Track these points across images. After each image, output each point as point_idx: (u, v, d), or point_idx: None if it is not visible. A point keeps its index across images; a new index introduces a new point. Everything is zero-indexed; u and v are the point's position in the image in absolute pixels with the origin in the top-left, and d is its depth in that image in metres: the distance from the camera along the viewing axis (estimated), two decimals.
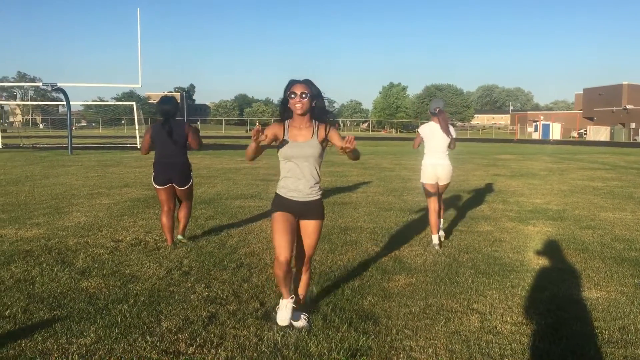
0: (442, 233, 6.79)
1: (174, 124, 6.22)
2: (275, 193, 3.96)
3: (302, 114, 3.76)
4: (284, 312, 3.82)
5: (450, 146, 6.69)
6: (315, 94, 3.77)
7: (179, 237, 6.55)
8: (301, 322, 3.94)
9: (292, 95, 3.71)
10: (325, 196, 10.61)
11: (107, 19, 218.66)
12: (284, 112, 3.86)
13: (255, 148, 3.67)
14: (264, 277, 5.17)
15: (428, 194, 6.73)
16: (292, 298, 3.90)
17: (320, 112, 3.83)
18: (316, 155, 3.82)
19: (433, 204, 6.66)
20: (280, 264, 3.72)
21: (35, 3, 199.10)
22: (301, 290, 4.15)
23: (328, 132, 3.81)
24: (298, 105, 3.70)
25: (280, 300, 3.90)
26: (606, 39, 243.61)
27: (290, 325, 3.89)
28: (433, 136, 6.63)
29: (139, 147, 30.46)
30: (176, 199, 6.50)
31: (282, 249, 3.72)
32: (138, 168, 16.90)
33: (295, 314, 3.92)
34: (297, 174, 3.82)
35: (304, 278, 4.13)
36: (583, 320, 4.18)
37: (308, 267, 4.09)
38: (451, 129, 6.64)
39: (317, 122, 3.83)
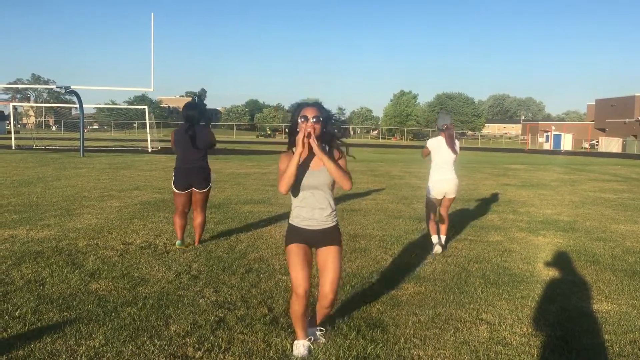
0: (442, 243, 6.74)
1: (198, 130, 6.31)
2: (289, 223, 3.75)
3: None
4: (302, 349, 3.63)
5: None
6: (326, 118, 3.55)
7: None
8: (319, 339, 3.81)
9: (303, 119, 3.46)
10: (335, 203, 10.60)
11: (121, 23, 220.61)
12: (292, 135, 3.57)
13: (296, 166, 3.40)
14: (272, 282, 5.17)
15: (429, 206, 6.93)
16: (309, 339, 3.71)
17: (331, 136, 3.61)
18: (330, 182, 3.61)
19: (433, 215, 6.89)
20: (299, 298, 3.50)
21: (50, 7, 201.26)
22: (320, 315, 3.87)
23: (339, 159, 3.60)
24: (310, 130, 3.42)
25: (295, 341, 3.70)
26: (619, 50, 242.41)
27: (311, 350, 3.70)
28: (440, 150, 6.75)
29: (149, 150, 30.63)
30: (190, 204, 6.57)
31: (300, 280, 3.50)
32: (149, 171, 16.99)
33: (310, 330, 3.79)
34: (311, 203, 3.61)
35: (327, 311, 3.81)
36: (593, 333, 4.14)
37: (334, 302, 3.72)
38: (456, 144, 6.78)
39: (327, 147, 3.60)
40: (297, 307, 3.54)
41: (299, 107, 3.55)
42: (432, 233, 6.78)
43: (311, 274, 3.63)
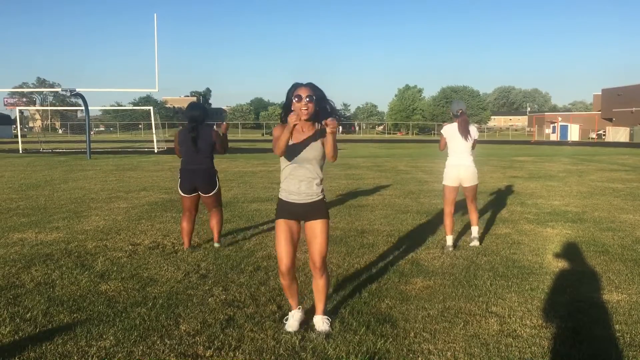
0: (476, 242, 6.61)
1: (202, 130, 6.22)
2: (278, 197, 3.95)
3: (308, 119, 3.70)
4: (291, 321, 3.97)
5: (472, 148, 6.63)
6: (319, 97, 3.72)
7: (216, 245, 6.53)
8: (324, 327, 3.93)
9: (297, 99, 3.63)
10: (342, 199, 10.60)
11: (124, 24, 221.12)
12: (287, 115, 3.70)
13: (288, 136, 3.60)
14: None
15: (446, 196, 6.66)
16: (299, 309, 4.03)
17: (325, 115, 3.71)
18: (319, 157, 3.81)
19: (449, 208, 6.61)
20: (282, 274, 3.85)
21: (53, 11, 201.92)
22: (319, 300, 4.00)
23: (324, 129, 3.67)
24: (304, 109, 3.63)
25: (290, 311, 4.06)
26: (624, 39, 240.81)
27: (313, 328, 3.92)
28: (454, 137, 6.56)
29: (155, 151, 30.71)
30: (198, 205, 6.49)
31: (282, 255, 3.80)
32: (155, 172, 17.04)
33: (316, 317, 3.99)
34: (299, 176, 3.80)
35: (320, 284, 3.95)
36: (604, 323, 4.12)
37: (323, 271, 3.92)
38: (473, 130, 6.55)
39: (320, 125, 3.75)
40: (282, 280, 3.92)
41: (293, 87, 3.71)
42: (446, 232, 6.55)
43: (295, 251, 3.88)
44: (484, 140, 57.78)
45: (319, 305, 4.02)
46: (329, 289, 4.35)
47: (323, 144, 3.77)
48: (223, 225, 6.75)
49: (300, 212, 3.85)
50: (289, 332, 3.87)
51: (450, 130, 6.61)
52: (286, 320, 4.02)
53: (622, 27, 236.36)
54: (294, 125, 3.55)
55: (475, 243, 6.61)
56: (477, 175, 6.68)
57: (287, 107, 3.75)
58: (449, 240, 6.49)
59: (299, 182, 3.81)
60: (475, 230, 6.72)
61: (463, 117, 6.54)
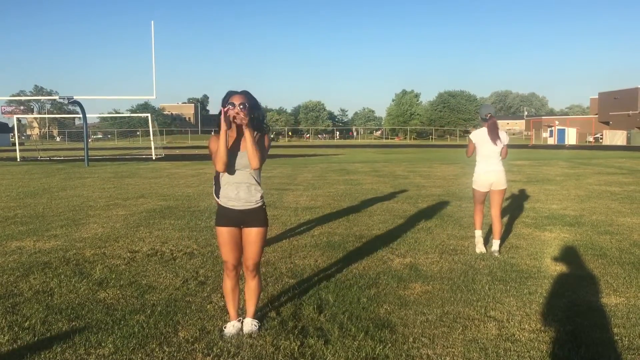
0: (496, 249, 6.48)
1: None
2: (218, 203, 4.01)
3: (240, 124, 3.75)
4: (230, 330, 4.01)
5: (501, 153, 6.55)
6: (253, 105, 3.78)
7: None
8: (251, 327, 4.02)
9: (231, 106, 3.69)
10: (340, 205, 10.61)
11: (122, 32, 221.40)
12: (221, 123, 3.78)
13: (225, 145, 3.67)
14: (279, 286, 5.18)
15: (476, 200, 6.69)
16: (239, 320, 4.09)
17: (258, 123, 3.85)
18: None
19: (479, 207, 6.67)
20: (229, 271, 3.96)
21: (51, 18, 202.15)
22: (250, 302, 4.08)
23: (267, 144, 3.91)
24: (234, 113, 3.69)
25: (228, 323, 4.08)
26: (621, 42, 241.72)
27: (240, 331, 4.00)
28: (484, 142, 6.50)
29: (154, 158, 30.69)
30: None
31: (227, 257, 3.92)
32: (153, 179, 17.03)
33: (246, 321, 4.08)
34: (236, 182, 3.84)
35: (252, 285, 4.04)
36: (602, 327, 4.13)
37: (255, 273, 4.01)
38: (503, 135, 6.49)
39: (256, 133, 3.82)
40: (227, 282, 4.00)
41: (227, 95, 3.80)
42: (476, 227, 6.62)
43: (240, 251, 3.94)
44: None
45: (249, 308, 4.10)
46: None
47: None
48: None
49: (238, 218, 3.89)
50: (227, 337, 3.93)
51: (479, 136, 6.55)
52: (224, 328, 4.07)
53: (619, 31, 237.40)
54: (227, 128, 3.65)
55: (481, 248, 6.55)
56: (506, 179, 6.63)
57: (221, 115, 3.79)
58: (478, 233, 6.62)
59: (236, 187, 3.85)
60: (496, 244, 6.54)
61: (492, 120, 6.48)
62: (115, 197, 12.25)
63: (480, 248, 6.54)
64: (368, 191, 13.03)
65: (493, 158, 6.51)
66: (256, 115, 3.83)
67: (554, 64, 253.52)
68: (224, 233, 3.90)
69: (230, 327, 4.02)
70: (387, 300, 4.73)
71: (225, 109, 3.67)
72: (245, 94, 3.78)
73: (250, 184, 3.87)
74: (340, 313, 4.40)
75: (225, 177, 3.89)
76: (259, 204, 3.93)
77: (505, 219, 8.95)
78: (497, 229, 6.57)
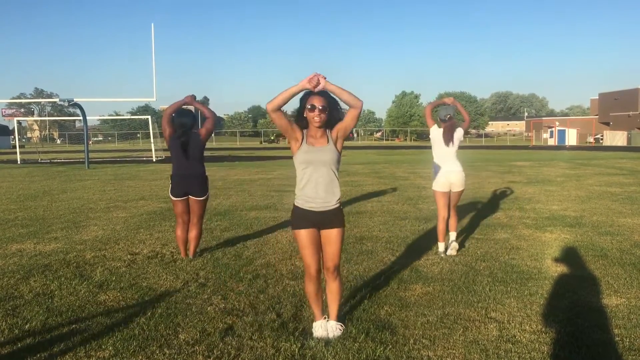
0: (454, 245, 6.52)
1: (192, 137, 6.22)
2: (294, 205, 3.92)
3: (320, 127, 3.76)
4: (319, 332, 3.96)
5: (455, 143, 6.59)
6: (332, 106, 3.74)
7: (190, 257, 6.43)
8: (335, 331, 3.99)
9: (311, 107, 3.68)
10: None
11: (122, 34, 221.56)
12: (299, 121, 3.79)
13: (292, 94, 3.60)
14: (280, 288, 5.18)
15: (439, 203, 6.65)
16: (325, 318, 4.03)
17: (336, 122, 3.82)
18: (334, 160, 3.81)
19: (443, 212, 6.60)
20: (311, 277, 3.89)
21: (51, 21, 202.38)
22: (333, 304, 4.05)
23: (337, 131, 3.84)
24: (317, 118, 3.69)
25: (314, 323, 4.05)
26: (621, 42, 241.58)
27: (327, 338, 3.93)
28: (439, 143, 6.58)
29: (154, 160, 30.71)
30: (189, 211, 6.45)
31: (309, 261, 3.85)
32: (154, 181, 17.03)
33: (330, 324, 4.03)
34: (316, 180, 3.78)
35: (334, 287, 4.01)
36: (603, 328, 4.12)
37: (336, 275, 3.98)
38: (457, 136, 6.54)
39: (329, 130, 3.82)
40: (310, 286, 3.93)
41: (306, 95, 3.72)
42: (439, 239, 6.53)
43: (320, 254, 3.91)
44: (481, 146, 57.88)
45: (332, 311, 4.07)
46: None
47: (336, 147, 3.82)
48: (222, 234, 6.73)
49: (317, 220, 3.84)
50: (314, 340, 3.88)
51: (436, 134, 6.63)
52: (313, 329, 4.03)
53: (619, 31, 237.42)
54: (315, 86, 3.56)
55: (455, 247, 6.48)
56: (464, 181, 6.68)
57: (299, 113, 3.78)
58: (441, 247, 6.50)
59: (316, 186, 3.79)
60: (453, 236, 6.64)
61: (451, 122, 6.55)
62: (115, 200, 12.25)
63: (441, 254, 6.43)
64: (368, 192, 13.03)
65: (449, 159, 6.56)
66: (336, 114, 3.79)
67: (554, 64, 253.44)
68: (304, 235, 3.84)
69: (319, 328, 3.98)
70: (387, 302, 4.73)
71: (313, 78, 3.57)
72: (325, 95, 3.71)
73: (327, 185, 3.81)
74: (341, 314, 4.40)
75: (305, 176, 3.80)
76: (337, 205, 3.88)
77: (506, 220, 8.95)
78: (453, 223, 6.68)
